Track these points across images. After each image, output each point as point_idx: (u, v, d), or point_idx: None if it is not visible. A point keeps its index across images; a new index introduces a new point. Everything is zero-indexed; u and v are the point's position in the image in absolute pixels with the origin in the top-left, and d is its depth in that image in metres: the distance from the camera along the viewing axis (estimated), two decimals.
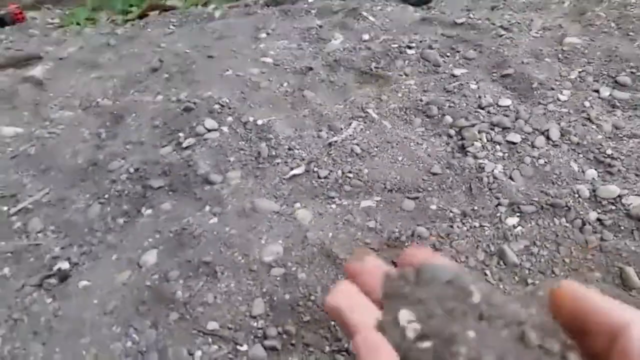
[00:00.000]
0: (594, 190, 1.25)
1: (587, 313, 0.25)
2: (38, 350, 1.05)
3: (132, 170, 1.50)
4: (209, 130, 1.59)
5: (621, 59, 1.78)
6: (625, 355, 0.23)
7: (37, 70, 2.13)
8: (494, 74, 1.77)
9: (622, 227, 1.15)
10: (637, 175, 1.30)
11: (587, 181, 1.29)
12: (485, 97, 1.61)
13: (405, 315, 0.28)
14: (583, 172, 1.32)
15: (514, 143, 1.41)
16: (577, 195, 1.24)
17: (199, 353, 0.98)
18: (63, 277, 1.24)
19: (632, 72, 1.71)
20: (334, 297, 0.30)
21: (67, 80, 2.07)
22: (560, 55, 1.85)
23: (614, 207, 1.21)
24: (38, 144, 1.70)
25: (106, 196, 1.45)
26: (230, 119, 1.64)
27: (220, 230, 1.26)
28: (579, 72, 1.74)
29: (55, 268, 1.26)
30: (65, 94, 1.95)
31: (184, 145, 1.56)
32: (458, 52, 1.95)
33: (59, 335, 1.08)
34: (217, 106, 1.69)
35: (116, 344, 1.04)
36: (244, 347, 0.99)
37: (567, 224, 1.17)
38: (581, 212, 1.19)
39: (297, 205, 1.34)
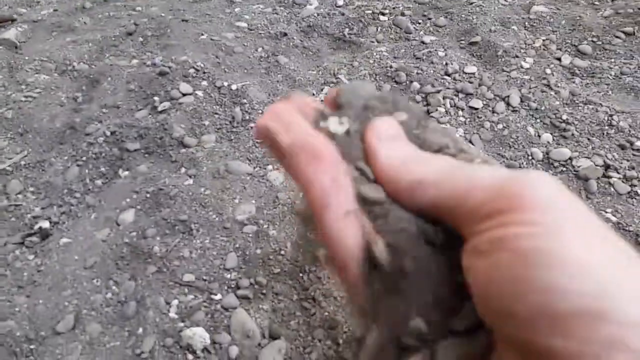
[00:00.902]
0: (547, 153, 1.34)
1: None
2: (22, 302, 1.11)
3: (108, 133, 1.54)
4: (184, 95, 1.63)
5: (584, 28, 1.85)
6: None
7: (10, 33, 2.11)
8: (462, 42, 1.83)
9: (570, 187, 1.25)
10: (588, 139, 1.39)
11: (542, 144, 1.38)
12: (452, 64, 1.67)
13: (334, 121, 0.27)
14: (539, 136, 1.41)
15: (475, 109, 1.49)
16: (531, 158, 1.33)
17: (175, 302, 1.06)
18: (44, 235, 1.29)
19: (593, 41, 1.78)
20: (264, 117, 0.27)
21: (42, 43, 2.07)
22: (526, 24, 1.91)
23: (564, 169, 1.30)
24: (15, 107, 1.71)
25: (84, 158, 1.49)
26: (204, 83, 1.67)
27: (195, 191, 1.32)
28: (544, 40, 1.81)
29: (36, 227, 1.31)
30: (41, 58, 1.95)
31: (159, 109, 1.60)
32: (429, 19, 2.00)
33: (42, 288, 1.14)
34: (192, 70, 1.72)
35: (97, 295, 1.10)
36: (218, 296, 1.07)
37: None
38: None
39: (270, 167, 1.40)
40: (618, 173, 1.29)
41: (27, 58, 2.00)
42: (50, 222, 1.32)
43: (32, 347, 1.03)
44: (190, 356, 0.97)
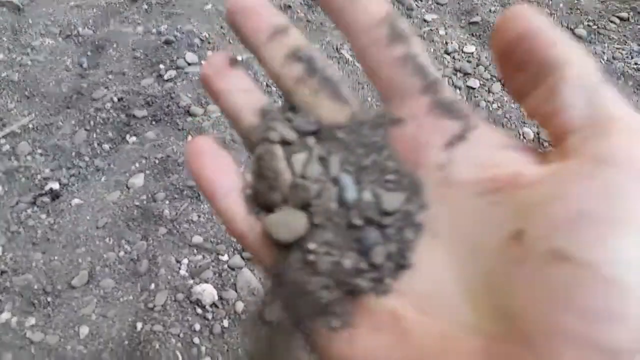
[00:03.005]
0: (538, 133, 1.41)
1: (529, 42, 0.22)
2: (38, 257, 1.17)
3: (115, 99, 1.58)
4: (190, 64, 1.67)
5: (581, 12, 1.90)
6: (552, 93, 0.21)
7: None
8: (463, 21, 1.87)
9: None
10: None
11: (534, 124, 1.44)
12: (452, 43, 1.72)
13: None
14: None
15: (472, 88, 1.55)
16: (522, 137, 1.40)
17: (185, 261, 1.13)
18: (55, 196, 1.34)
19: (588, 25, 1.83)
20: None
21: (46, 7, 2.08)
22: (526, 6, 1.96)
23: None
24: (21, 70, 1.74)
25: (92, 123, 1.53)
26: (210, 53, 1.71)
27: None
28: None
29: (46, 188, 1.36)
30: (45, 22, 1.96)
31: (165, 77, 1.64)
32: None
33: (56, 245, 1.20)
34: (197, 40, 1.75)
35: (109, 253, 1.17)
36: (225, 257, 1.14)
37: None
38: None
39: None
40: None
41: (30, 21, 2.01)
42: (60, 184, 1.37)
43: (49, 299, 1.09)
44: (199, 310, 1.04)
